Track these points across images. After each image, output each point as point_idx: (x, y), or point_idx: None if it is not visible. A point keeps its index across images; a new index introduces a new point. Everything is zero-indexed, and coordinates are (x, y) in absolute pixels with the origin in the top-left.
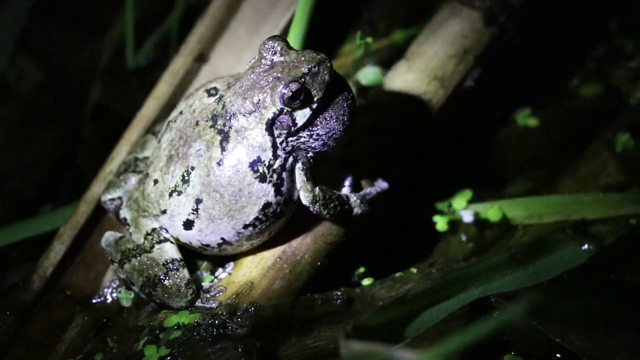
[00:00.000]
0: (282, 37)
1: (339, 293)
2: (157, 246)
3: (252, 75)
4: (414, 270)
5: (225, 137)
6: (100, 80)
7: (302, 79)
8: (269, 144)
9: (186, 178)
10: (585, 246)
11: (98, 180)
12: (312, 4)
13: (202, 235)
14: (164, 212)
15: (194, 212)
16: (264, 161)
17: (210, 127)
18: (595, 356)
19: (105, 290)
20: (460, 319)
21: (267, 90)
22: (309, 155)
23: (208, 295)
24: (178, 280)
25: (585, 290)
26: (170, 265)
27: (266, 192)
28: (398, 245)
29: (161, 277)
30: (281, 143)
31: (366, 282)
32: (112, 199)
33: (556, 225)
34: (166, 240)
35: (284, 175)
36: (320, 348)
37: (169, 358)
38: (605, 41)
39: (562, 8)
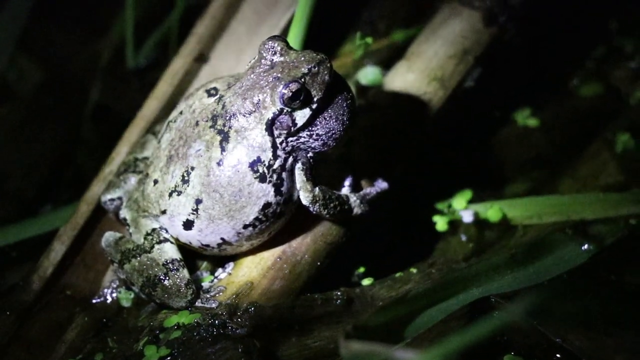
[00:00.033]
0: (282, 37)
1: (338, 293)
2: (157, 246)
3: (252, 76)
4: (414, 270)
5: (225, 137)
6: (100, 80)
7: (302, 79)
8: (269, 144)
9: (186, 178)
10: (585, 246)
11: (98, 180)
12: (312, 4)
13: (202, 235)
14: (163, 212)
15: (194, 212)
16: (263, 161)
17: (210, 127)
18: (595, 356)
19: (105, 290)
20: (460, 319)
21: (267, 91)
22: (308, 155)
23: (208, 296)
24: (178, 280)
25: (585, 291)
26: (170, 265)
27: (266, 192)
28: (398, 245)
29: (161, 277)
30: (281, 143)
31: (366, 282)
32: (112, 199)
33: (556, 226)
34: (166, 240)
35: (284, 175)
36: (320, 348)
37: (169, 358)
38: (605, 41)
39: (562, 8)
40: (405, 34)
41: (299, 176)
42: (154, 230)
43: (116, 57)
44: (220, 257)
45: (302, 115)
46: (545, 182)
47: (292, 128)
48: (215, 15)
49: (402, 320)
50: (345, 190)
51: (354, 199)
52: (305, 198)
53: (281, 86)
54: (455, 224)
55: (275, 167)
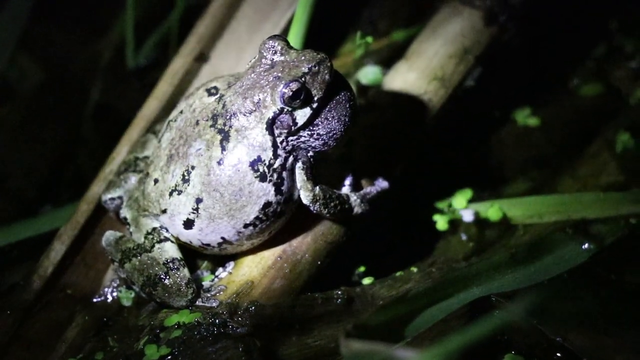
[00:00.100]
0: (283, 36)
1: (339, 292)
2: (157, 245)
3: (252, 75)
4: (414, 269)
5: (225, 136)
6: (101, 80)
7: (303, 79)
8: (269, 144)
9: (186, 177)
10: (586, 246)
11: (98, 179)
12: (313, 4)
13: (202, 234)
14: (164, 211)
15: (194, 212)
16: (264, 160)
17: (211, 126)
18: (596, 355)
19: (106, 289)
20: (460, 318)
21: (268, 90)
22: (309, 154)
23: (208, 295)
24: (178, 279)
25: (585, 290)
26: (170, 264)
27: (266, 192)
28: (398, 244)
29: (161, 276)
30: (281, 142)
31: (366, 281)
32: (113, 199)
33: (556, 225)
34: (166, 239)
35: (284, 174)
36: (320, 347)
37: (169, 357)
38: (605, 41)
39: (562, 8)
40: (406, 33)
41: (300, 175)
42: (154, 229)
43: (116, 57)
44: (220, 256)
45: (302, 115)
46: (545, 182)
47: (293, 127)
48: (216, 14)
49: (403, 319)
50: (345, 190)
51: (354, 198)
52: (305, 197)
53: (282, 85)
54: (455, 223)
55: (275, 166)
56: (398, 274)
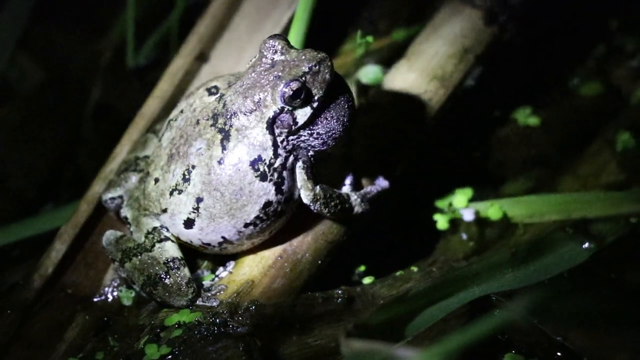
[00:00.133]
0: (283, 35)
1: (339, 292)
2: (157, 245)
3: (252, 74)
4: (415, 269)
5: (226, 135)
6: (101, 79)
7: (303, 78)
8: (270, 143)
9: (187, 177)
10: (586, 245)
11: (99, 179)
12: (313, 3)
13: (202, 234)
14: (164, 210)
15: (195, 211)
16: (264, 160)
17: (211, 125)
18: (596, 355)
19: (106, 289)
20: (460, 317)
21: (268, 89)
22: (309, 154)
23: (209, 294)
24: (179, 279)
25: (585, 289)
26: (171, 264)
27: (267, 191)
28: (399, 244)
29: (162, 275)
30: (282, 142)
31: (367, 280)
32: (113, 198)
33: (557, 224)
34: (167, 239)
35: (285, 174)
36: (321, 347)
37: (169, 357)
38: (605, 40)
39: (562, 7)
40: (406, 32)
41: (300, 175)
42: (154, 228)
43: (117, 57)
44: (221, 255)
45: (303, 114)
46: (546, 181)
47: (293, 127)
48: (216, 14)
49: (403, 318)
50: (346, 189)
51: (354, 198)
52: (306, 197)
53: (282, 85)
54: (455, 223)
55: (276, 165)
56: (398, 273)
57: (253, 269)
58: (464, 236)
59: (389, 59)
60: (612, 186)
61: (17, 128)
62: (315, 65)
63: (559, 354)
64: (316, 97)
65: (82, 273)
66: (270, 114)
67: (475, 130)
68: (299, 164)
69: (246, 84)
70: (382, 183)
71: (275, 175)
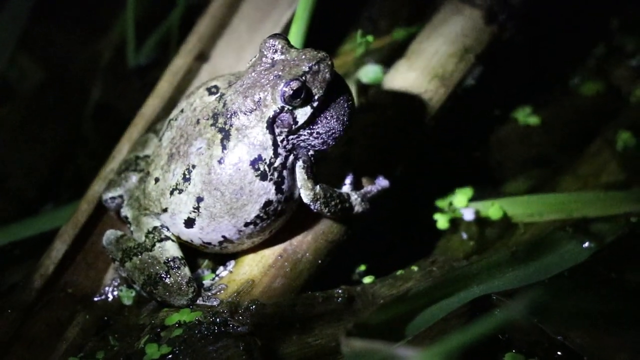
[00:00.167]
0: (283, 35)
1: (340, 291)
2: (158, 244)
3: (253, 74)
4: (415, 268)
5: (226, 135)
6: (101, 79)
7: (303, 77)
8: (270, 142)
9: (187, 176)
10: (586, 244)
11: (99, 179)
12: (313, 3)
13: (203, 233)
14: (165, 210)
15: (195, 211)
16: (264, 159)
17: (211, 125)
18: (596, 354)
19: (107, 288)
20: (461, 317)
21: (268, 89)
22: (309, 153)
23: (209, 293)
24: (179, 278)
25: (586, 289)
26: (171, 263)
27: (267, 190)
28: (399, 243)
29: (162, 275)
30: (282, 141)
31: (367, 280)
32: (113, 198)
33: (557, 224)
34: (167, 238)
35: (285, 173)
36: (321, 346)
37: (170, 356)
38: (605, 40)
39: (562, 7)
40: (406, 32)
41: (300, 174)
42: (155, 228)
43: (117, 57)
44: (221, 255)
45: (303, 114)
46: (546, 181)
47: (293, 126)
48: (216, 14)
49: (403, 318)
50: (346, 189)
51: (354, 197)
52: (306, 196)
53: (282, 84)
54: (456, 222)
55: (276, 165)
56: (399, 272)
57: (253, 269)
58: (464, 236)
59: (389, 58)
60: (612, 186)
61: (17, 128)
62: (315, 65)
63: (559, 353)
64: (316, 97)
65: (82, 273)
66: (271, 113)
67: (475, 130)
68: (299, 163)
69: (246, 83)
70: (382, 182)
71: (276, 174)
